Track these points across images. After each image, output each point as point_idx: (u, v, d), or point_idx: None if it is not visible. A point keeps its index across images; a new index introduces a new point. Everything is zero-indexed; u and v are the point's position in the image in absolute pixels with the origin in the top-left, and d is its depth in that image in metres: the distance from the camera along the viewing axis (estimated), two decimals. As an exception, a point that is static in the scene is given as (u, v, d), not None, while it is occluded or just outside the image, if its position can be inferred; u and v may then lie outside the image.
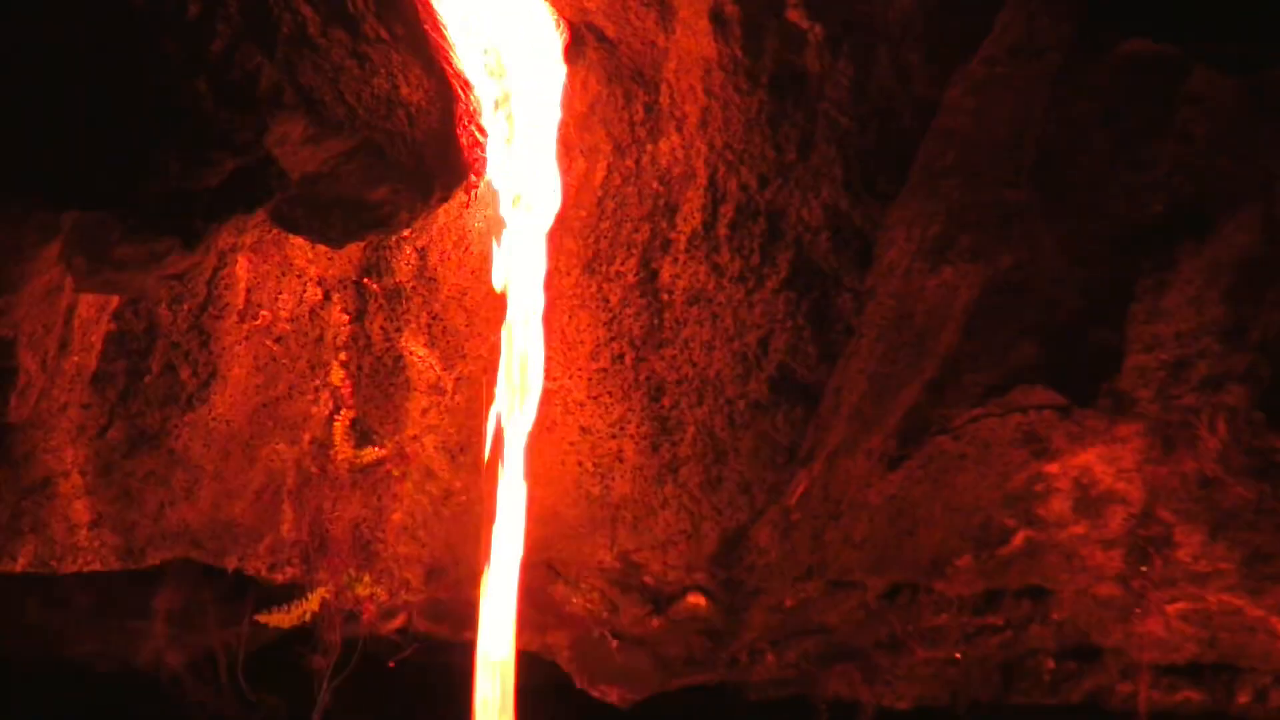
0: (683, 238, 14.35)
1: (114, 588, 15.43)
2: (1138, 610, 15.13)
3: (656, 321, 14.56)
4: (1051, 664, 15.92)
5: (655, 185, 14.37)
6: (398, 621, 15.56)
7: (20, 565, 14.54)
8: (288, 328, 14.64)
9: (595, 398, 14.53)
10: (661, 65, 14.34)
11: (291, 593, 15.16)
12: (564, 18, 14.53)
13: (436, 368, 14.78)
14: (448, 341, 14.61)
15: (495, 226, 14.53)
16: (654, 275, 14.49)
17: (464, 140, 14.33)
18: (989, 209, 13.77)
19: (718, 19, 14.07)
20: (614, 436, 14.67)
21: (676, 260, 14.35)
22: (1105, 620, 15.31)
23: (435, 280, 14.56)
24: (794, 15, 14.17)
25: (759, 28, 14.14)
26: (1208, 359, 13.78)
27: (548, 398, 14.46)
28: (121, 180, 13.08)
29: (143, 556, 14.85)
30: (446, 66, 14.24)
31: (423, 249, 14.49)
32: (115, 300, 14.07)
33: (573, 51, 14.64)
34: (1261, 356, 13.77)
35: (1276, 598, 14.91)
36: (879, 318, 14.12)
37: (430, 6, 14.45)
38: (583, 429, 14.66)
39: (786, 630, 15.56)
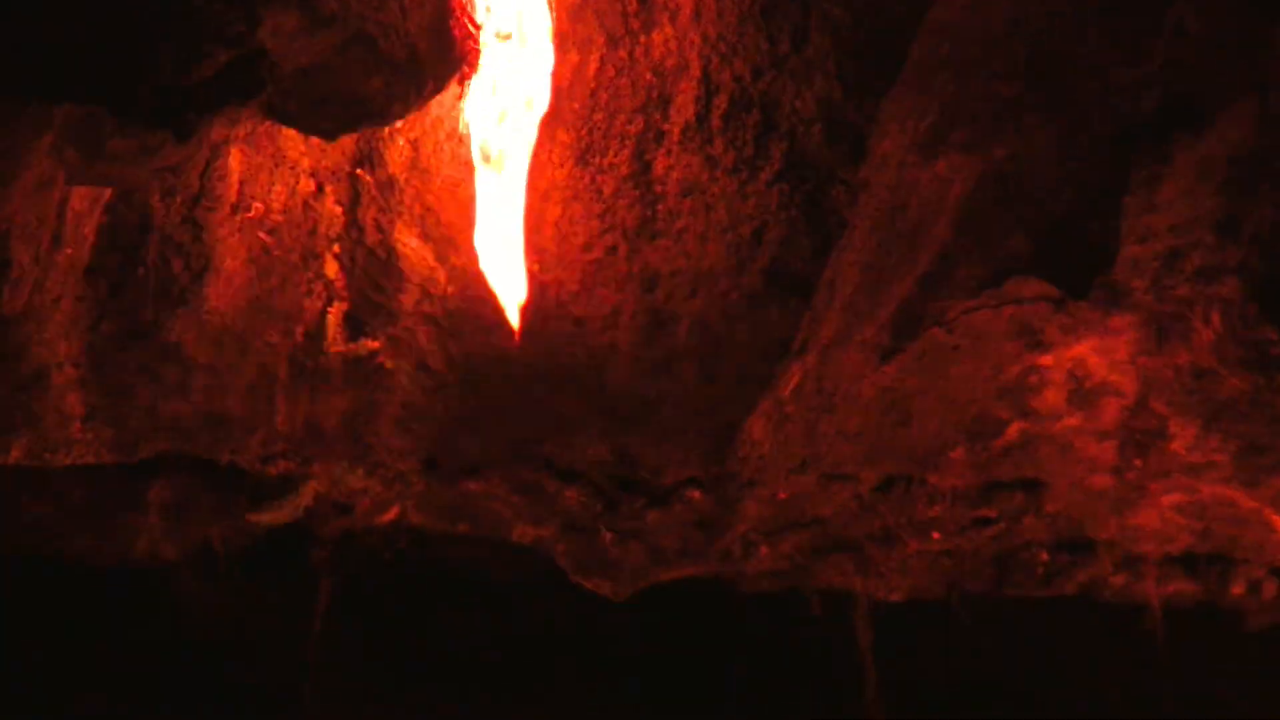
0: (676, 129, 14.37)
1: (108, 482, 15.22)
2: (1132, 502, 15.06)
3: (650, 213, 14.56)
4: (1045, 556, 15.82)
5: (649, 77, 14.41)
6: (391, 514, 15.45)
7: (14, 458, 14.56)
8: (280, 220, 14.66)
9: (589, 289, 14.55)
10: None
11: (285, 487, 15.21)
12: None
13: (430, 260, 14.84)
14: (441, 233, 14.65)
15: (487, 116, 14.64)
16: (647, 167, 14.48)
17: (457, 32, 14.41)
18: (983, 103, 13.76)
19: None
20: (608, 329, 14.65)
21: (670, 152, 14.36)
22: (1099, 512, 15.17)
23: (428, 172, 14.59)
24: None
25: None
26: (1201, 250, 13.66)
27: (542, 290, 14.65)
28: (114, 73, 13.06)
29: (135, 450, 14.85)
30: None
31: (415, 141, 14.52)
32: (108, 193, 14.15)
33: (564, -57, 13.59)
34: (1255, 249, 13.63)
35: (1271, 489, 14.79)
36: (872, 210, 14.10)
37: None
38: (576, 321, 14.67)
39: (780, 523, 15.41)
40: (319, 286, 14.78)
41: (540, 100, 14.95)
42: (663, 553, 15.37)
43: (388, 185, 14.71)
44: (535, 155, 14.90)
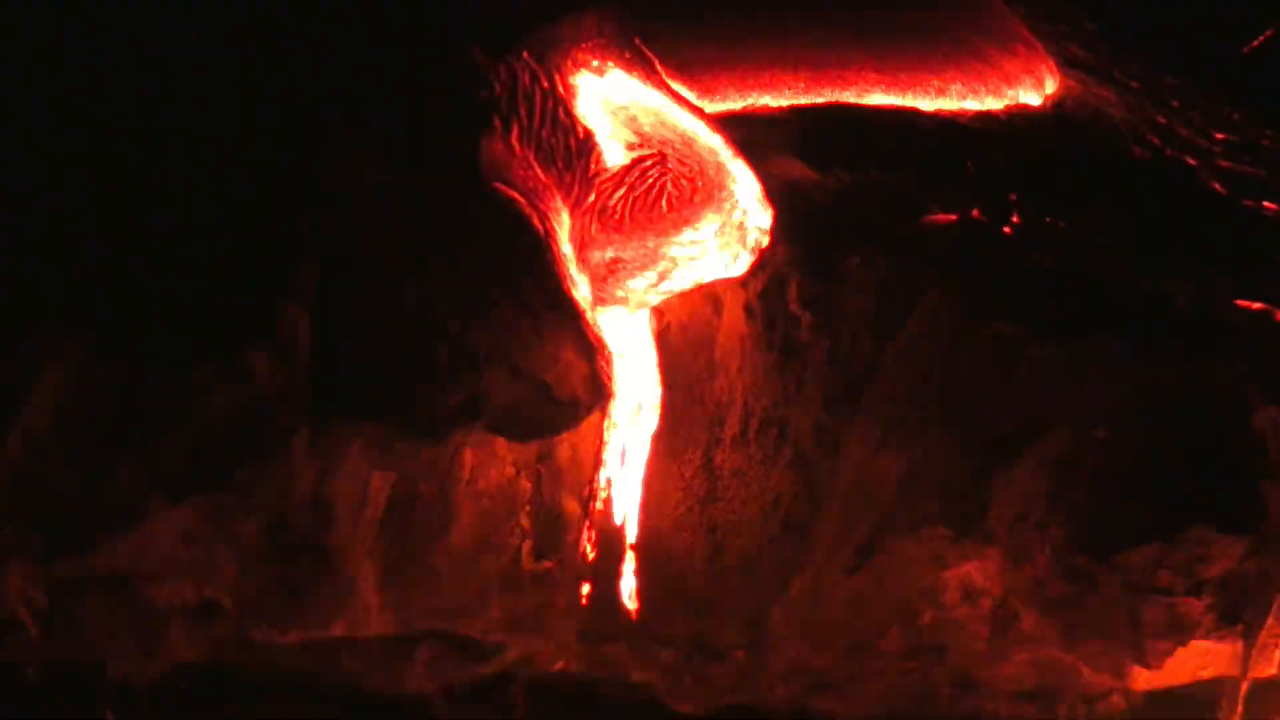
0: (728, 438, 17.11)
1: (392, 646, 17.12)
2: (999, 659, 17.62)
3: (713, 487, 17.18)
4: (947, 691, 17.91)
5: (711, 408, 17.22)
6: (559, 665, 17.45)
7: (337, 632, 16.72)
8: (494, 491, 16.83)
9: (677, 532, 17.20)
10: (715, 335, 17.29)
11: (497, 650, 17.37)
12: (654, 311, 17.40)
13: (580, 513, 17.26)
14: (586, 498, 17.32)
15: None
16: (710, 460, 17.22)
17: (603, 377, 16.68)
18: (909, 422, 16.92)
19: (749, 310, 17.12)
20: (688, 555, 17.31)
21: (725, 451, 17.11)
22: (980, 664, 17.70)
23: (580, 464, 16.99)
24: (794, 308, 17.07)
25: (773, 315, 17.10)
26: (1038, 511, 16.79)
27: (647, 535, 17.24)
28: (400, 405, 15.92)
29: (410, 626, 16.97)
30: (589, 331, 16.73)
31: (574, 444, 16.90)
32: (394, 475, 16.27)
33: (662, 333, 17.53)
34: (1070, 512, 16.68)
35: (1080, 652, 17.49)
36: (844, 485, 17.03)
37: (575, 299, 16.79)
38: (667, 551, 17.25)
39: (790, 671, 17.74)
40: (517, 531, 16.99)
41: (648, 407, 17.32)
42: (720, 688, 17.71)
43: (557, 471, 16.94)
44: (649, 453, 17.40)
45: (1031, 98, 19.65)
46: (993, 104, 19.31)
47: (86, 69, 17.44)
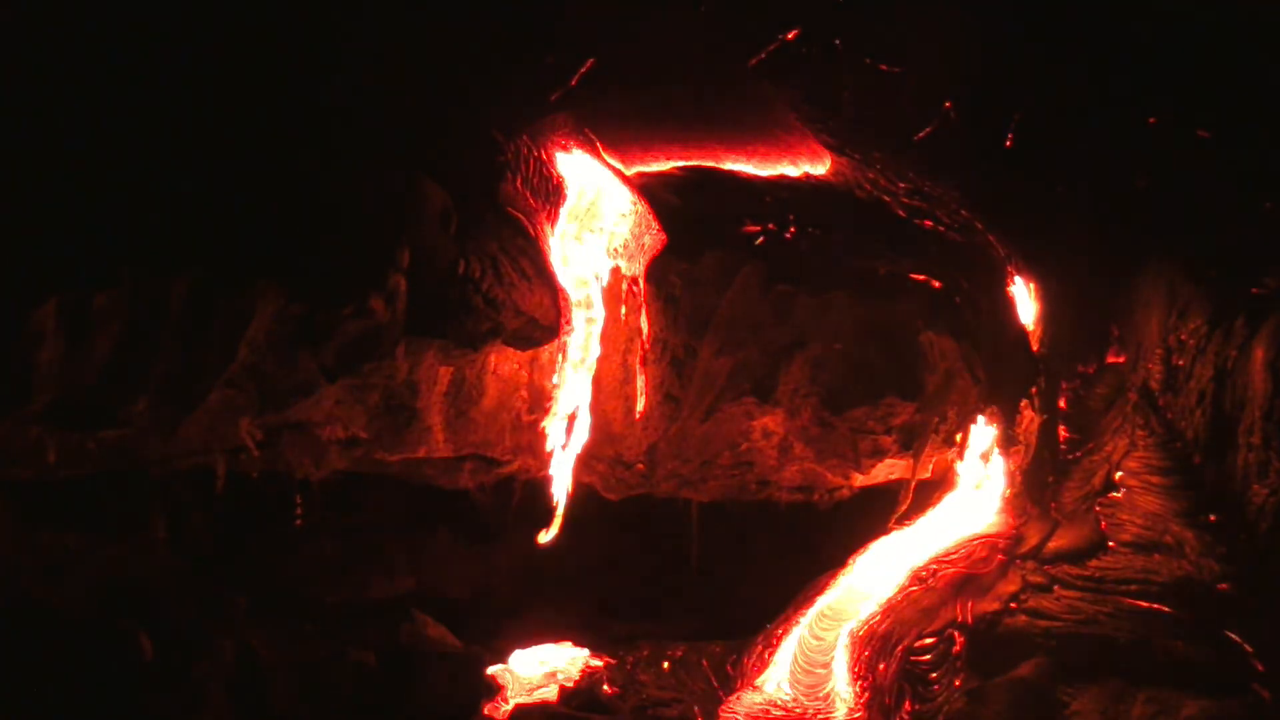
0: (636, 349, 20.24)
1: (450, 462, 20.63)
2: (782, 469, 21.07)
3: (627, 375, 20.32)
4: (754, 487, 21.37)
5: (628, 332, 20.23)
6: (541, 473, 20.73)
7: (421, 454, 20.01)
8: (506, 377, 20.20)
9: (609, 399, 20.42)
10: (631, 292, 20.20)
11: (507, 464, 20.76)
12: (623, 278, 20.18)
13: (557, 394, 20.44)
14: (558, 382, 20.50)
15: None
16: (626, 360, 20.30)
17: (564, 320, 19.76)
18: (734, 340, 20.04)
19: (649, 278, 19.97)
20: (614, 413, 20.58)
21: (634, 356, 20.28)
22: (771, 472, 21.18)
23: (553, 361, 20.18)
24: (672, 277, 19.92)
25: (660, 280, 20.03)
26: (803, 388, 20.26)
27: (592, 401, 20.30)
28: (455, 330, 18.95)
29: (460, 452, 20.40)
30: (559, 290, 19.72)
31: (550, 351, 20.06)
32: (452, 368, 19.68)
33: (605, 291, 20.42)
34: (821, 390, 20.11)
35: (826, 465, 20.84)
36: (699, 375, 20.12)
37: (550, 265, 19.72)
38: (603, 410, 20.42)
39: (668, 476, 21.18)
40: (519, 399, 20.30)
41: (595, 333, 20.30)
42: (631, 485, 21.24)
43: (541, 365, 20.25)
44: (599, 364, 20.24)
45: (815, 168, 22.06)
46: (789, 169, 21.86)
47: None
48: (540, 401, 20.34)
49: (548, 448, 20.47)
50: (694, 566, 21.69)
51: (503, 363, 20.00)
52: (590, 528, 21.21)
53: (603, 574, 21.62)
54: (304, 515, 20.27)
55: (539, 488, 20.94)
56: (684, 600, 21.75)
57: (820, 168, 22.02)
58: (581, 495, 20.94)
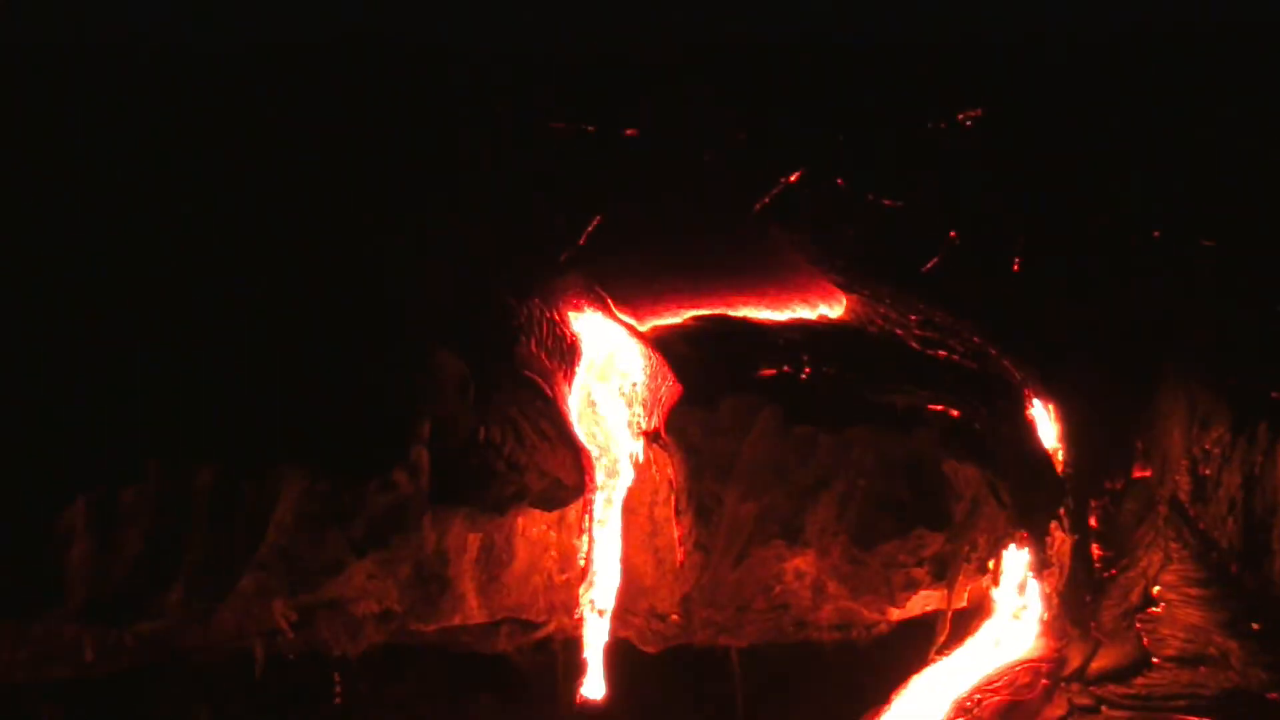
0: (660, 501, 20.18)
1: (485, 628, 20.45)
2: (817, 609, 20.76)
3: (654, 528, 20.27)
4: (791, 629, 20.93)
5: (651, 486, 20.26)
6: (577, 632, 20.54)
7: (456, 621, 19.91)
8: (535, 538, 20.08)
9: (637, 553, 20.33)
10: (650, 446, 20.15)
11: (542, 625, 20.57)
12: (642, 432, 20.26)
13: (588, 552, 20.37)
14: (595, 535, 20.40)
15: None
16: (652, 513, 20.34)
17: (587, 479, 19.82)
18: (759, 483, 19.91)
19: (667, 429, 19.93)
20: (644, 566, 20.49)
21: (659, 507, 20.21)
22: (807, 612, 20.88)
23: (579, 520, 20.15)
24: (692, 427, 19.83)
25: (680, 431, 19.91)
26: (831, 527, 19.97)
27: (622, 556, 20.32)
28: (480, 496, 19.05)
29: (495, 616, 20.22)
30: (581, 450, 19.87)
31: (577, 510, 19.98)
32: (480, 534, 19.53)
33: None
34: (849, 527, 19.84)
35: (860, 601, 20.53)
36: (726, 521, 19.92)
37: (570, 424, 19.88)
38: (631, 564, 20.35)
39: (704, 624, 20.81)
40: (549, 559, 20.15)
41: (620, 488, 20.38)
42: (667, 637, 20.86)
43: (568, 524, 20.14)
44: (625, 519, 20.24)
45: (830, 307, 22.24)
46: (805, 311, 21.97)
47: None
48: (570, 560, 20.26)
49: (581, 606, 20.34)
50: (738, 713, 21.22)
51: (530, 525, 19.94)
52: (631, 682, 20.95)
53: None
54: (343, 692, 20.02)
55: (577, 646, 20.71)
56: None
57: (836, 307, 22.22)
58: (620, 650, 20.74)
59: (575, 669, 20.76)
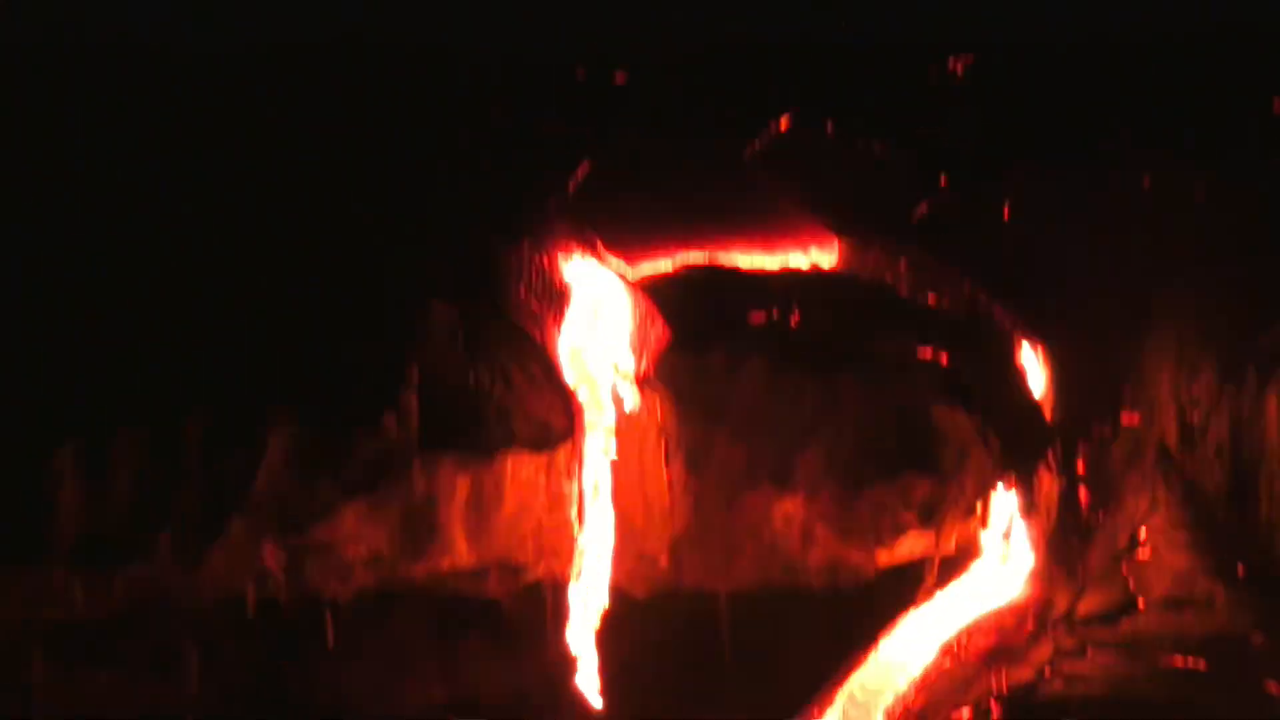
0: (649, 447, 20.29)
1: (475, 571, 20.20)
2: (806, 553, 20.62)
3: (643, 474, 20.32)
4: (779, 573, 20.84)
5: (640, 431, 20.29)
6: (567, 577, 20.51)
7: (445, 566, 19.79)
8: (525, 481, 19.87)
9: (628, 497, 20.39)
10: (640, 392, 20.33)
11: (532, 569, 20.37)
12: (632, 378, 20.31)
13: (577, 496, 20.33)
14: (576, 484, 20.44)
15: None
16: (642, 460, 20.30)
17: (576, 423, 19.76)
18: (748, 431, 20.02)
19: (657, 375, 20.12)
20: (634, 511, 20.51)
21: (648, 453, 20.31)
22: (795, 557, 20.81)
23: (569, 463, 20.06)
24: (680, 373, 20.01)
25: (670, 377, 20.13)
26: (821, 473, 20.06)
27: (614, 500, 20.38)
28: (470, 441, 19.13)
29: (484, 559, 20.03)
30: (569, 391, 19.98)
31: (566, 452, 19.89)
32: (469, 477, 19.36)
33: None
34: (838, 473, 19.93)
35: (849, 544, 20.49)
36: (715, 467, 20.09)
37: (559, 369, 19.90)
38: (624, 509, 20.42)
39: (695, 569, 20.83)
40: (538, 502, 20.02)
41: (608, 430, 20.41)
42: (657, 582, 20.89)
43: (558, 467, 19.98)
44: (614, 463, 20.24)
45: (824, 254, 22.08)
46: (798, 257, 21.95)
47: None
48: (559, 504, 20.21)
49: (571, 550, 20.32)
50: (726, 656, 21.27)
51: (519, 469, 19.87)
52: (621, 625, 21.05)
53: (637, 670, 21.15)
54: (335, 634, 19.89)
55: (566, 590, 20.72)
56: (718, 689, 21.16)
57: (829, 256, 22.12)
58: (610, 594, 20.81)
59: (564, 613, 20.78)
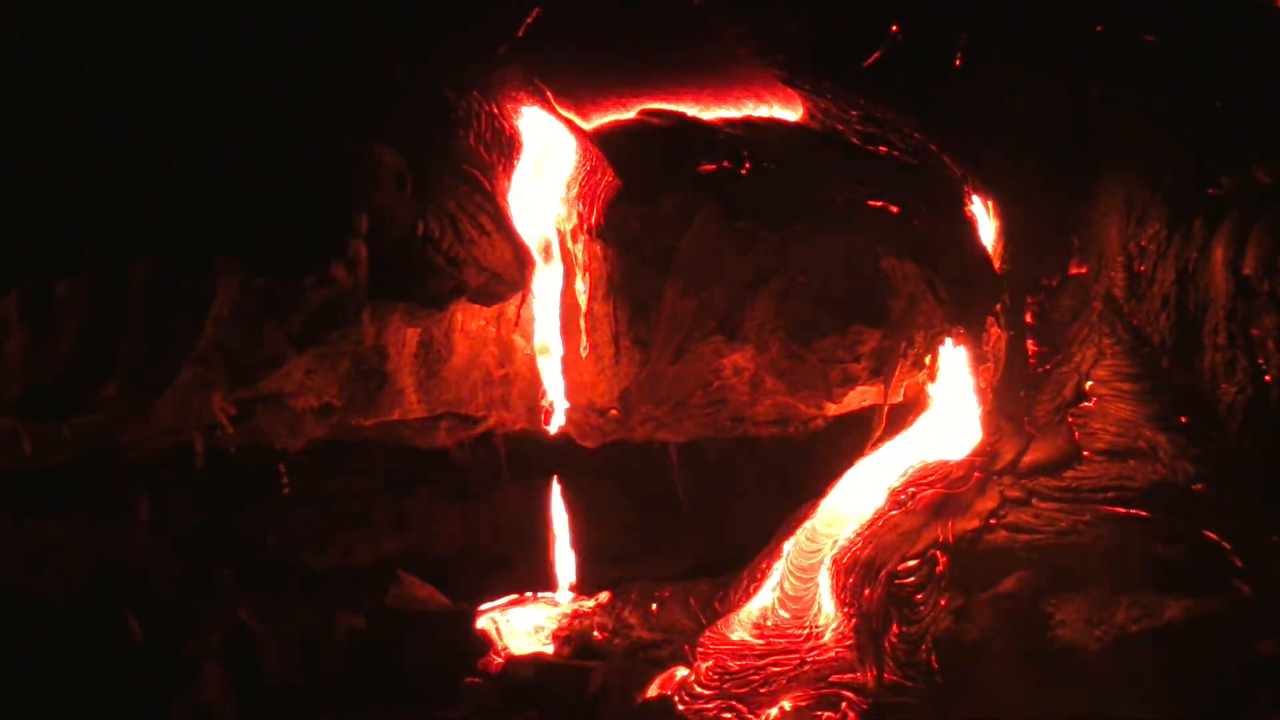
0: (599, 295, 20.02)
1: (422, 423, 20.51)
2: (755, 404, 20.88)
3: (594, 323, 20.13)
4: (729, 424, 21.13)
5: (588, 279, 20.06)
6: (519, 427, 20.85)
7: (395, 417, 19.90)
8: (474, 333, 20.06)
9: (576, 348, 20.28)
10: (587, 239, 20.05)
11: (482, 420, 20.72)
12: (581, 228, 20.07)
13: (523, 343, 20.42)
14: (524, 334, 20.30)
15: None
16: (592, 309, 20.10)
17: (527, 274, 19.73)
18: (698, 279, 19.84)
19: (606, 222, 19.90)
20: (583, 361, 20.44)
21: (598, 302, 20.02)
22: (744, 407, 21.00)
23: (519, 316, 20.17)
24: (632, 221, 19.78)
25: (619, 225, 19.83)
26: (770, 323, 19.92)
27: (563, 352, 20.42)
28: (418, 291, 18.89)
29: (435, 412, 20.24)
30: (519, 241, 19.70)
31: (515, 304, 19.96)
32: (419, 329, 19.43)
33: (561, 242, 20.42)
34: (787, 323, 19.75)
35: (798, 396, 20.67)
36: (665, 316, 19.82)
37: (509, 219, 19.63)
38: (572, 359, 20.32)
39: (644, 419, 20.95)
40: (488, 354, 20.25)
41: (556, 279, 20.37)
42: (605, 431, 20.95)
43: (507, 321, 20.20)
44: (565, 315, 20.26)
45: (785, 105, 21.79)
46: (757, 108, 21.62)
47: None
48: (509, 355, 20.26)
49: (521, 402, 20.38)
50: (678, 508, 21.66)
51: (469, 320, 19.86)
52: (571, 477, 21.38)
53: (586, 522, 21.65)
54: (286, 486, 20.27)
55: (516, 441, 20.98)
56: (669, 542, 21.73)
57: (782, 102, 21.75)
58: (559, 445, 20.91)
59: (515, 464, 21.06)
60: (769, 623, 20.10)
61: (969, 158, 21.55)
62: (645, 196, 19.74)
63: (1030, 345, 21.27)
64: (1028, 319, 21.34)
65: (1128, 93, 21.09)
